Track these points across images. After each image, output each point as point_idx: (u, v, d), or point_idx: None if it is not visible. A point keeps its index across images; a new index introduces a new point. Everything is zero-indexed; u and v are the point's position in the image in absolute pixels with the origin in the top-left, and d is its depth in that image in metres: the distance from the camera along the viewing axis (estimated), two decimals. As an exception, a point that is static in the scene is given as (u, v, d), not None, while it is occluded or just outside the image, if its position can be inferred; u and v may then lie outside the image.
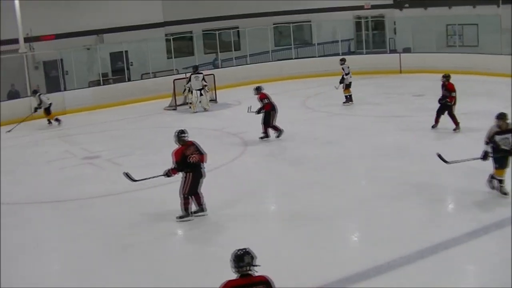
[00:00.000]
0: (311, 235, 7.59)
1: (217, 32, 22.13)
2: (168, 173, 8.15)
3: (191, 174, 8.08)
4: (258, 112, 12.43)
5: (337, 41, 22.88)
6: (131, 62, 21.97)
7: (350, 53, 23.46)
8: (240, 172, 10.77)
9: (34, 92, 16.26)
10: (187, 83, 16.83)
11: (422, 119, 12.55)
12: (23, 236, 8.31)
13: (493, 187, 8.35)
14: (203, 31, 23.26)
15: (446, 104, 11.99)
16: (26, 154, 13.33)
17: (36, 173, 11.62)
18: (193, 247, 7.79)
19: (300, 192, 9.29)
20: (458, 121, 12.03)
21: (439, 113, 12.17)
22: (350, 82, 16.00)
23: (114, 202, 9.39)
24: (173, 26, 22.75)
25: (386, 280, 6.29)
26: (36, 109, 15.95)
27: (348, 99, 16.05)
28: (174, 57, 21.04)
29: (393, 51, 22.67)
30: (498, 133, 8.14)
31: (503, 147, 8.10)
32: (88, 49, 20.71)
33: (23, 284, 6.86)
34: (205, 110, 16.68)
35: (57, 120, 16.10)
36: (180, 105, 17.32)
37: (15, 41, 17.89)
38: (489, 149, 8.17)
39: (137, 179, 8.47)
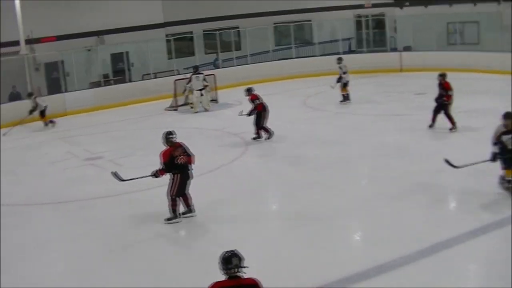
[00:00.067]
0: (311, 235, 7.59)
1: (217, 32, 22.16)
2: (156, 174, 8.18)
3: (178, 175, 8.11)
4: (250, 114, 12.48)
5: (337, 40, 22.87)
6: (132, 63, 22.00)
7: (350, 52, 23.47)
8: (240, 172, 10.78)
9: (30, 95, 16.33)
10: (188, 84, 16.86)
11: (422, 117, 12.53)
12: (23, 236, 8.33)
13: (507, 188, 8.14)
14: (203, 31, 23.27)
15: (443, 103, 11.93)
16: (26, 156, 13.37)
17: (37, 174, 11.65)
18: (193, 247, 7.80)
19: (300, 192, 9.29)
20: (455, 120, 11.95)
21: (436, 112, 12.11)
22: (348, 81, 15.99)
23: (115, 203, 9.39)
24: (173, 26, 22.76)
25: (386, 280, 6.28)
26: (31, 112, 15.98)
27: (346, 98, 16.06)
28: (175, 58, 21.06)
29: (394, 49, 22.65)
30: (505, 133, 8.03)
31: (510, 147, 7.99)
32: (89, 50, 20.73)
33: (23, 284, 6.87)
34: (206, 110, 16.70)
35: (51, 122, 16.18)
36: (181, 105, 17.35)
37: (16, 43, 17.94)
38: (497, 150, 8.05)
39: (125, 178, 8.52)
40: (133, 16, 21.61)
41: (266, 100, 12.75)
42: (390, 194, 8.77)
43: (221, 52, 22.31)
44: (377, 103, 15.97)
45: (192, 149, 8.36)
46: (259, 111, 12.44)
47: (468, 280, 6.46)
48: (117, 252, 7.59)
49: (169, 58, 21.62)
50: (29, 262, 7.43)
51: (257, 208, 8.79)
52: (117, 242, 7.84)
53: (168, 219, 8.22)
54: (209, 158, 11.37)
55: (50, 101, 16.85)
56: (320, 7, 24.57)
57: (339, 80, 15.98)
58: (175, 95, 17.46)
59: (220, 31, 22.39)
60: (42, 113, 16.10)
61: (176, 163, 8.04)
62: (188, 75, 17.29)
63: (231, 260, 4.41)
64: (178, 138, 8.32)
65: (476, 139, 11.12)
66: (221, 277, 4.46)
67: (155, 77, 20.40)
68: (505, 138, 8.02)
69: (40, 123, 16.15)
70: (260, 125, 12.51)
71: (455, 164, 8.55)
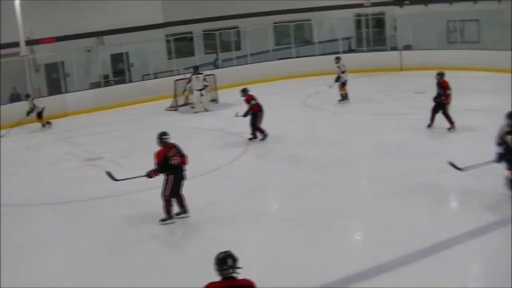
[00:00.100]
0: (311, 235, 7.59)
1: (217, 32, 22.15)
2: (150, 174, 8.19)
3: (172, 176, 8.11)
4: (245, 115, 12.49)
5: (337, 39, 22.86)
6: (132, 63, 22.00)
7: (350, 51, 23.47)
8: (240, 172, 10.77)
9: (27, 96, 16.37)
10: (188, 84, 16.86)
11: (423, 116, 12.51)
12: (23, 236, 8.34)
13: None
14: (203, 31, 23.27)
15: (441, 102, 11.87)
16: (27, 156, 13.38)
17: (37, 174, 11.66)
18: (193, 247, 7.80)
19: (300, 192, 9.28)
20: (453, 120, 11.88)
21: (434, 111, 12.05)
22: (346, 81, 15.98)
23: (115, 203, 9.39)
24: (173, 26, 22.76)
25: (387, 280, 6.28)
26: (28, 113, 16.01)
27: (344, 97, 16.05)
28: (175, 58, 21.06)
29: (394, 48, 22.65)
30: (509, 132, 7.94)
31: None
32: (89, 51, 20.74)
33: (23, 284, 6.88)
34: (206, 110, 16.70)
35: (48, 123, 16.21)
36: (181, 105, 17.35)
37: (16, 44, 17.94)
38: (502, 151, 7.96)
39: (118, 178, 8.54)
40: (133, 16, 21.62)
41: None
42: (390, 194, 8.76)
43: (221, 52, 22.31)
44: (377, 102, 15.96)
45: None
46: (255, 112, 12.44)
47: (468, 280, 6.45)
48: (117, 252, 7.59)
49: (169, 58, 21.62)
50: (29, 262, 7.43)
51: (257, 208, 8.79)
52: (117, 242, 7.85)
53: (163, 220, 8.22)
54: (209, 158, 11.39)
55: (50, 102, 16.90)
56: (319, 6, 24.56)
57: (337, 79, 15.98)
58: (175, 95, 17.46)
59: (220, 31, 22.38)
60: (40, 115, 16.15)
61: (170, 163, 8.05)
62: (188, 75, 17.29)
63: (225, 261, 4.40)
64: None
65: (477, 138, 11.13)
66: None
67: (155, 78, 20.41)
68: (509, 138, 7.92)
69: (38, 125, 16.18)
70: (255, 126, 12.51)
71: (459, 166, 8.48)
